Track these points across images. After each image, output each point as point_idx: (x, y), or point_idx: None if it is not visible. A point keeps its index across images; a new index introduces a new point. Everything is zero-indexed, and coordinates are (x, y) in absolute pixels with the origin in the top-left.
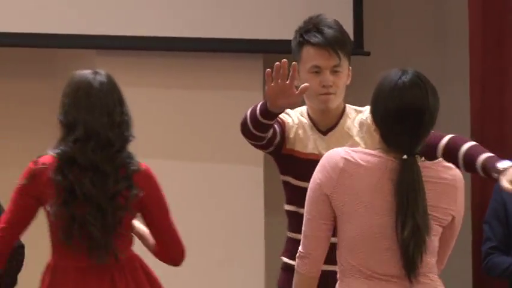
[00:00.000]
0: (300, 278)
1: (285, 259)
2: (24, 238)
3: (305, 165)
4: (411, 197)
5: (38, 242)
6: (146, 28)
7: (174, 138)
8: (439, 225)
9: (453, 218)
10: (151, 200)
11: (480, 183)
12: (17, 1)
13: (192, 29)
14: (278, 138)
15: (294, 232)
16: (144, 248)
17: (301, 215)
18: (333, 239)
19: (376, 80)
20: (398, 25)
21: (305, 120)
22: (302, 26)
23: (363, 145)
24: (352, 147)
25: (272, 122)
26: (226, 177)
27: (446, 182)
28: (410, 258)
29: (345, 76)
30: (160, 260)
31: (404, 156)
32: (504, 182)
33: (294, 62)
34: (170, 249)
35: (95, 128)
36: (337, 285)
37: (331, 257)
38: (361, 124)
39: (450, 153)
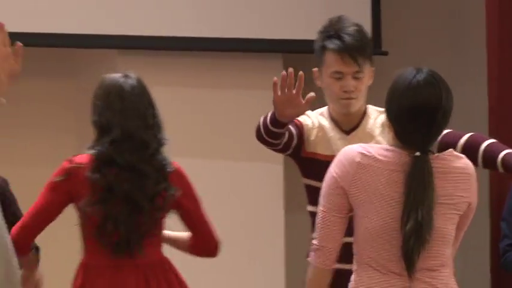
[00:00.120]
0: (314, 270)
1: None
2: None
3: (328, 166)
4: (419, 192)
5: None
6: (167, 28)
7: (194, 137)
8: (457, 214)
9: (469, 204)
10: (186, 197)
11: (498, 181)
12: (40, 2)
13: (212, 29)
14: (295, 141)
15: None
16: None
17: None
18: (348, 239)
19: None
20: (416, 25)
21: (326, 121)
22: (324, 29)
23: (384, 144)
24: None
25: (282, 131)
26: (246, 175)
27: (460, 171)
28: (409, 254)
29: (366, 80)
30: (197, 254)
31: (417, 153)
32: None
33: (300, 72)
34: (207, 241)
35: (130, 130)
36: (352, 276)
37: (347, 256)
38: (384, 125)
39: (470, 151)
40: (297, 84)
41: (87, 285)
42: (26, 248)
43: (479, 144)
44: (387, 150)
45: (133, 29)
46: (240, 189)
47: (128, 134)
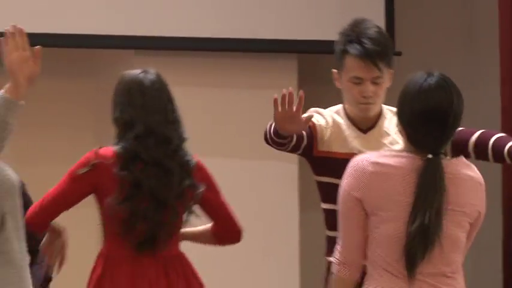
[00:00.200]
0: (341, 282)
1: (331, 259)
2: None
3: (345, 164)
4: (429, 194)
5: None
6: (183, 29)
7: (211, 136)
8: (468, 222)
9: (479, 214)
10: (209, 189)
11: (511, 179)
12: (59, 4)
13: (228, 29)
14: (305, 142)
15: (336, 230)
16: None
17: None
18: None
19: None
20: (429, 25)
21: (341, 119)
22: (345, 32)
23: (401, 142)
24: (391, 144)
25: (286, 141)
26: (262, 174)
27: (472, 179)
28: (412, 254)
29: (385, 84)
30: (220, 242)
31: (430, 156)
32: None
33: (301, 91)
34: (231, 227)
35: (152, 126)
36: (365, 278)
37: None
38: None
39: (480, 146)
40: (297, 102)
41: (107, 274)
42: (43, 228)
43: (489, 139)
44: (400, 156)
45: (150, 30)
46: (255, 188)
47: (150, 129)
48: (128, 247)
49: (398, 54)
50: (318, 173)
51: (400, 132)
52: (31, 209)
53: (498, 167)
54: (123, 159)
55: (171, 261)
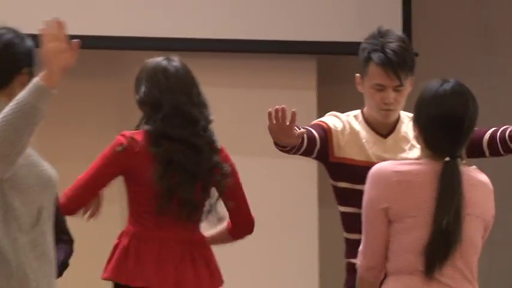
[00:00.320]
0: (367, 285)
1: (352, 260)
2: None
3: (363, 170)
4: (449, 197)
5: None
6: (207, 31)
7: (231, 135)
8: (483, 225)
9: (492, 218)
10: (232, 175)
11: None
12: (84, 6)
13: (250, 31)
14: (318, 145)
15: (354, 232)
16: None
17: (359, 215)
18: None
19: (425, 80)
20: (446, 25)
21: (359, 125)
22: (370, 39)
23: (418, 147)
24: (410, 150)
25: (286, 149)
26: (281, 172)
27: (485, 184)
28: (432, 258)
29: (407, 91)
30: (237, 235)
31: (447, 158)
32: None
33: (293, 110)
34: (246, 217)
35: (178, 105)
36: (387, 280)
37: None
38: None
39: (493, 140)
40: (290, 117)
41: (131, 249)
42: (74, 211)
43: (496, 132)
44: (419, 164)
45: (174, 32)
46: (275, 186)
47: (177, 109)
48: (156, 228)
49: (415, 55)
50: (335, 178)
51: (417, 137)
52: (64, 195)
53: None
54: (153, 137)
55: (196, 245)
